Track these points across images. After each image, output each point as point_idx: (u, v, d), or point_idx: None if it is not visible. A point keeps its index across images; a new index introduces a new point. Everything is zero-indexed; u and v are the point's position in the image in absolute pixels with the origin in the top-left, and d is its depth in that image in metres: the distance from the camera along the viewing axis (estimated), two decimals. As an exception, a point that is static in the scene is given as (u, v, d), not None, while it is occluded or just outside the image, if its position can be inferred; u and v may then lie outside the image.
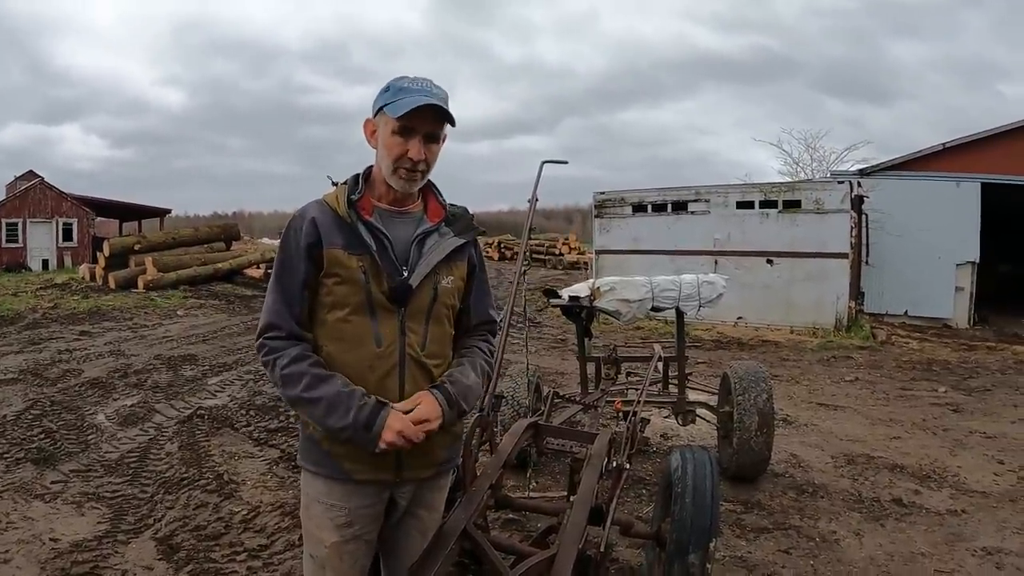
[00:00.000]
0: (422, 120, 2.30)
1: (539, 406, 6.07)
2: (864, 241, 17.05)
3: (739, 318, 15.92)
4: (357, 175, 2.46)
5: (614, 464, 3.50)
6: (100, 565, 4.40)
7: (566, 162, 5.98)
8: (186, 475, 5.98)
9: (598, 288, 6.10)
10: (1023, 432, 7.82)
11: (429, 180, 2.49)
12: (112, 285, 21.15)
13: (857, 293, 16.54)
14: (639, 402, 4.88)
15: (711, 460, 3.46)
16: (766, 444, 5.72)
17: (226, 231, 27.72)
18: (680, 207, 17.53)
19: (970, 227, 16.54)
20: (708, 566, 3.13)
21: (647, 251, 17.39)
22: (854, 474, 6.32)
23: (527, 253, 5.12)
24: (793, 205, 16.00)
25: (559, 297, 6.43)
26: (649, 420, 5.99)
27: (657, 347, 6.94)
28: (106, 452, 6.53)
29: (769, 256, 16.09)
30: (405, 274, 2.35)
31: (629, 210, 18.24)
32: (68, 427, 7.26)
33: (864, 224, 16.97)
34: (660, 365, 6.81)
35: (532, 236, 5.23)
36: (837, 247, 15.47)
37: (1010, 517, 5.39)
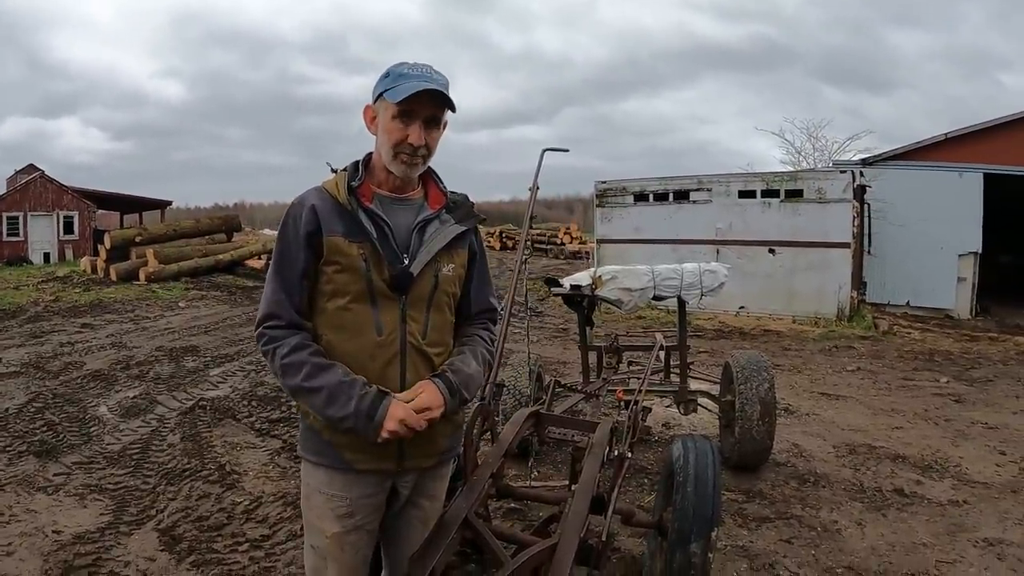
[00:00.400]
0: (422, 104, 2.28)
1: (540, 395, 6.07)
2: (866, 231, 17.03)
3: (741, 307, 15.92)
4: (357, 162, 2.44)
5: (616, 453, 3.50)
6: (103, 557, 4.40)
7: (567, 150, 5.97)
8: (188, 466, 5.99)
9: (600, 277, 6.08)
10: (1025, 422, 7.80)
11: (429, 167, 2.47)
12: (113, 277, 21.15)
13: (859, 283, 16.52)
14: (641, 391, 4.87)
15: (713, 449, 3.46)
16: (768, 433, 5.71)
17: (227, 222, 27.69)
18: (682, 196, 17.50)
19: (972, 217, 16.51)
20: (710, 555, 3.13)
21: (649, 240, 17.36)
22: (856, 464, 6.31)
23: (528, 242, 5.11)
24: (795, 194, 15.97)
25: (561, 286, 6.41)
26: (651, 409, 5.98)
27: (659, 336, 6.93)
28: (108, 444, 6.53)
29: (771, 245, 16.07)
30: (406, 262, 2.34)
31: (631, 199, 18.20)
32: (70, 419, 7.26)
33: (866, 214, 16.95)
34: (662, 354, 6.81)
35: (533, 225, 5.21)
36: (839, 237, 15.45)
37: (1012, 508, 5.38)
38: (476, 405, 3.33)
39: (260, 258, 25.40)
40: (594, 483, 3.10)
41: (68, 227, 37.58)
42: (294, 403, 7.38)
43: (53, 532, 4.72)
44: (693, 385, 6.68)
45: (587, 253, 30.29)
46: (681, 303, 6.31)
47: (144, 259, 21.77)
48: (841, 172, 16.23)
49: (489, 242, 38.95)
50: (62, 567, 4.26)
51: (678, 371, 6.61)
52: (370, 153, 2.45)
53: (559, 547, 2.57)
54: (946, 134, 17.62)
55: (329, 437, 2.36)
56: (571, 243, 39.80)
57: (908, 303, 17.18)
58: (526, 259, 5.03)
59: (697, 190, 17.26)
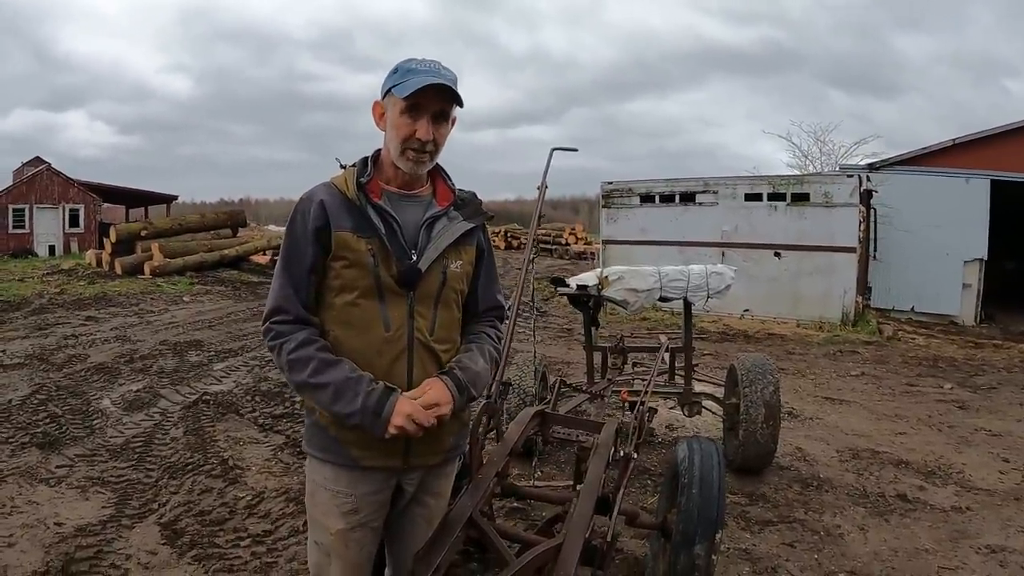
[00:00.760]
0: (430, 99, 2.28)
1: (545, 395, 6.06)
2: (872, 236, 17.00)
3: (745, 310, 15.88)
4: (366, 158, 2.44)
5: (621, 454, 3.49)
6: (104, 550, 4.40)
7: (576, 149, 5.96)
8: (191, 460, 5.99)
9: (606, 277, 6.07)
10: (1030, 429, 7.78)
11: (438, 164, 2.47)
12: (118, 271, 21.19)
13: (864, 288, 16.50)
14: (646, 392, 4.87)
15: (718, 452, 3.45)
16: (772, 437, 5.70)
17: (232, 218, 27.73)
18: (688, 198, 17.45)
19: (979, 224, 16.46)
20: (713, 557, 3.13)
21: (654, 242, 17.31)
22: (859, 469, 6.30)
23: (535, 241, 5.10)
24: (801, 198, 15.92)
25: (567, 286, 6.40)
26: (656, 410, 5.98)
27: (664, 338, 6.92)
28: (111, 437, 6.54)
29: (777, 249, 16.02)
30: (414, 258, 2.33)
31: (637, 200, 18.16)
32: (73, 412, 7.27)
33: (872, 219, 16.91)
34: (667, 356, 6.81)
35: (539, 224, 5.20)
36: (845, 241, 15.39)
37: (1015, 515, 5.36)
38: (482, 404, 3.33)
39: (265, 254, 25.47)
40: (599, 484, 3.09)
41: (74, 220, 37.66)
42: (298, 399, 7.41)
43: (55, 524, 4.73)
44: (697, 387, 6.67)
45: (592, 254, 30.33)
46: (687, 305, 6.29)
47: (149, 253, 21.81)
48: (848, 176, 16.17)
49: (494, 241, 38.91)
50: (63, 559, 4.26)
51: (683, 373, 6.60)
52: (379, 149, 2.45)
53: (563, 547, 2.56)
54: (953, 140, 17.57)
55: (336, 433, 2.35)
56: (576, 243, 39.86)
57: (913, 309, 17.14)
58: (533, 258, 5.02)
59: (703, 192, 17.22)
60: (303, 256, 2.31)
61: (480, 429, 3.35)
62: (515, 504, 4.96)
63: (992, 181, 16.42)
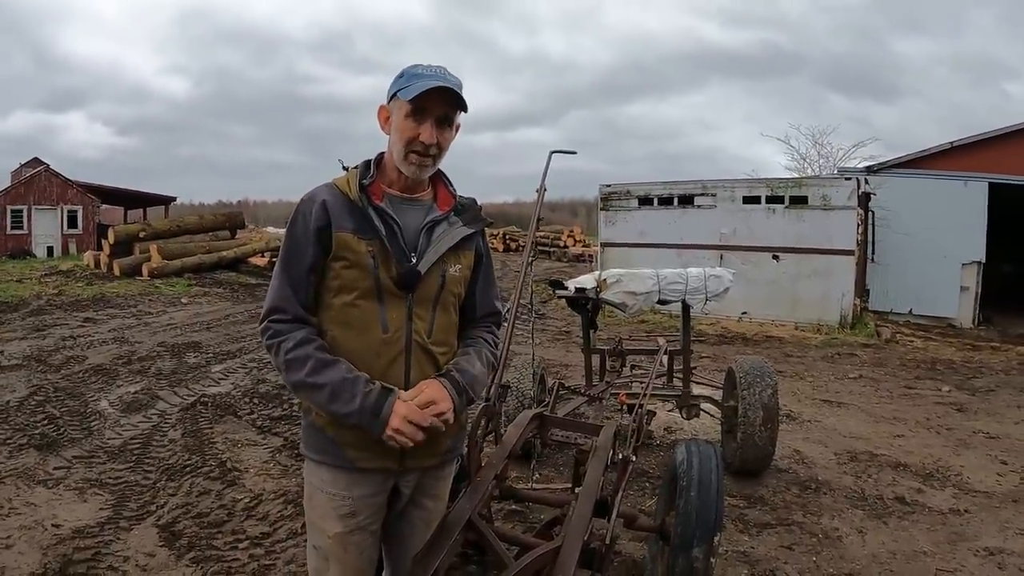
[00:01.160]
0: (435, 103, 2.29)
1: (544, 397, 6.06)
2: (870, 238, 17.01)
3: (743, 313, 15.89)
4: (368, 160, 2.44)
5: (619, 456, 3.49)
6: (102, 551, 4.40)
7: (574, 152, 5.97)
8: (189, 462, 5.99)
9: (604, 280, 6.07)
10: (1027, 432, 7.79)
11: (440, 170, 2.48)
12: (117, 272, 21.18)
13: (862, 290, 16.50)
14: (644, 395, 4.87)
15: (716, 454, 3.45)
16: (770, 439, 5.71)
17: (231, 219, 27.73)
18: (686, 201, 17.47)
19: (977, 227, 16.51)
20: (712, 560, 3.13)
21: (652, 244, 17.31)
22: (857, 471, 6.30)
23: (534, 243, 5.10)
24: (800, 201, 15.93)
25: (565, 288, 6.41)
26: (654, 413, 5.98)
27: (662, 340, 6.92)
28: (109, 439, 6.54)
29: (775, 252, 16.04)
30: (413, 260, 2.34)
31: (635, 203, 18.17)
32: (71, 413, 7.27)
33: (871, 221, 16.93)
34: (665, 358, 6.81)
35: (537, 227, 5.21)
36: (843, 244, 15.41)
37: (1012, 518, 5.37)
38: (481, 406, 3.33)
39: (263, 255, 25.46)
40: (598, 486, 3.09)
41: (72, 221, 37.64)
42: (296, 401, 7.40)
43: (52, 526, 4.73)
44: (696, 390, 6.68)
45: (590, 256, 30.30)
46: (685, 308, 6.30)
47: (147, 254, 21.79)
48: (846, 179, 16.18)
49: (492, 244, 38.93)
50: (61, 561, 4.26)
51: (681, 376, 6.60)
52: (382, 152, 2.46)
53: (562, 550, 2.56)
54: (952, 143, 17.60)
55: (333, 434, 2.35)
56: (574, 246, 39.86)
57: (911, 311, 17.18)
58: (532, 261, 5.02)
59: (702, 195, 17.23)
60: (303, 256, 2.31)
61: (478, 432, 3.35)
62: (514, 507, 4.95)
63: (990, 184, 16.47)
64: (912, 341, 14.42)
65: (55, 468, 5.78)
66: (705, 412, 6.58)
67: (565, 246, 40.07)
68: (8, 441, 6.36)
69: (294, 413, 7.37)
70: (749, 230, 16.46)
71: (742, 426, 5.66)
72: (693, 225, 17.16)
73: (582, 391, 6.27)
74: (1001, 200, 16.61)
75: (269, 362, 9.70)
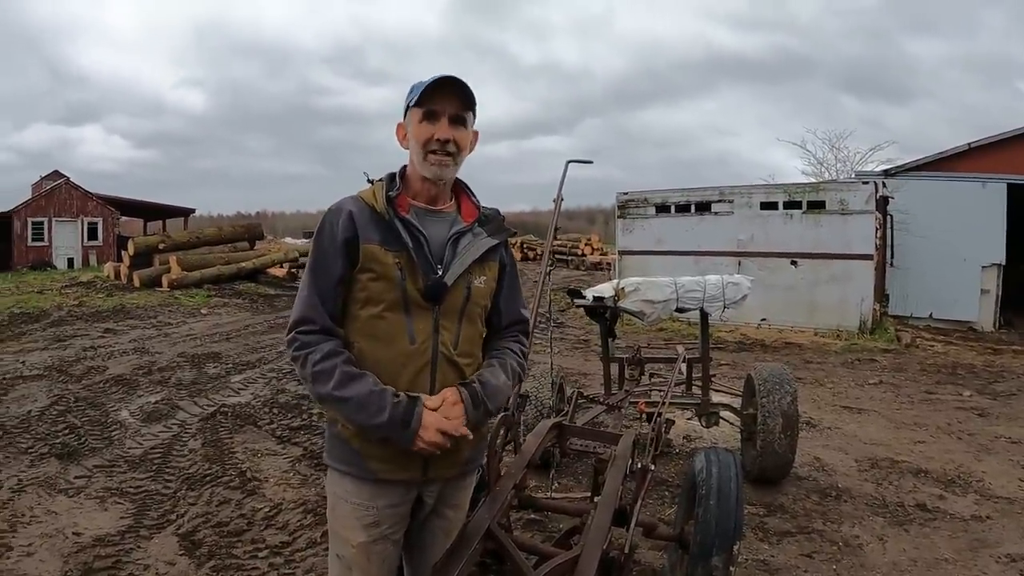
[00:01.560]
0: (444, 103, 2.34)
1: (562, 406, 6.06)
2: (889, 242, 16.89)
3: (762, 320, 15.80)
4: (393, 173, 2.47)
5: (638, 465, 3.48)
6: (122, 560, 4.43)
7: (591, 162, 5.98)
8: (209, 472, 6.02)
9: (622, 288, 6.07)
10: (1050, 437, 7.71)
11: (462, 181, 2.51)
12: (137, 283, 21.31)
13: (882, 295, 16.38)
14: (663, 403, 4.86)
15: (736, 462, 3.43)
16: (790, 447, 5.68)
17: (249, 231, 27.83)
18: (703, 208, 17.38)
19: (996, 228, 16.37)
20: (731, 569, 3.11)
21: (670, 252, 17.25)
22: (878, 478, 6.26)
23: (551, 252, 5.11)
24: (817, 206, 15.83)
25: (583, 297, 6.40)
26: (674, 421, 5.96)
27: (681, 348, 6.90)
28: (129, 448, 6.58)
29: (793, 257, 15.93)
30: (440, 272, 2.35)
31: (652, 211, 18.11)
32: (92, 423, 7.32)
33: (889, 225, 16.81)
34: (684, 366, 6.79)
35: (555, 236, 5.22)
36: (862, 248, 15.30)
37: (1036, 523, 5.33)
38: (500, 416, 3.33)
39: (282, 266, 25.56)
40: (616, 495, 3.09)
41: (92, 233, 38.00)
42: (315, 411, 7.44)
43: (73, 534, 4.77)
44: (715, 398, 6.66)
45: (608, 264, 30.25)
46: (704, 315, 6.28)
47: (167, 266, 21.92)
48: (863, 183, 16.09)
49: (510, 252, 38.96)
50: (82, 569, 4.30)
51: (700, 383, 6.58)
52: (405, 166, 2.49)
53: (581, 559, 2.56)
54: (969, 144, 17.48)
55: (357, 446, 2.36)
56: (592, 254, 39.79)
57: (931, 315, 17.04)
58: (550, 270, 5.03)
59: (719, 201, 17.15)
60: (331, 267, 2.33)
61: (498, 441, 3.35)
62: (533, 516, 4.94)
63: (1009, 185, 16.33)
64: (932, 345, 14.31)
65: (76, 477, 5.83)
66: (724, 420, 6.55)
67: (583, 255, 40.00)
68: (30, 450, 6.42)
69: (313, 423, 7.40)
70: (767, 236, 16.35)
71: (761, 434, 5.63)
72: (711, 232, 17.08)
73: (601, 400, 6.25)
74: (1020, 201, 16.45)
75: (288, 372, 9.75)
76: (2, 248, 36.50)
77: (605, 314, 6.51)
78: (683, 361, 6.74)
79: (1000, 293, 16.79)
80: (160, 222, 46.34)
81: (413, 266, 2.32)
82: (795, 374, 7.08)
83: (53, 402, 8.09)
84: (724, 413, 6.47)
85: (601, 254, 38.91)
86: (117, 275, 22.74)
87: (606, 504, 2.97)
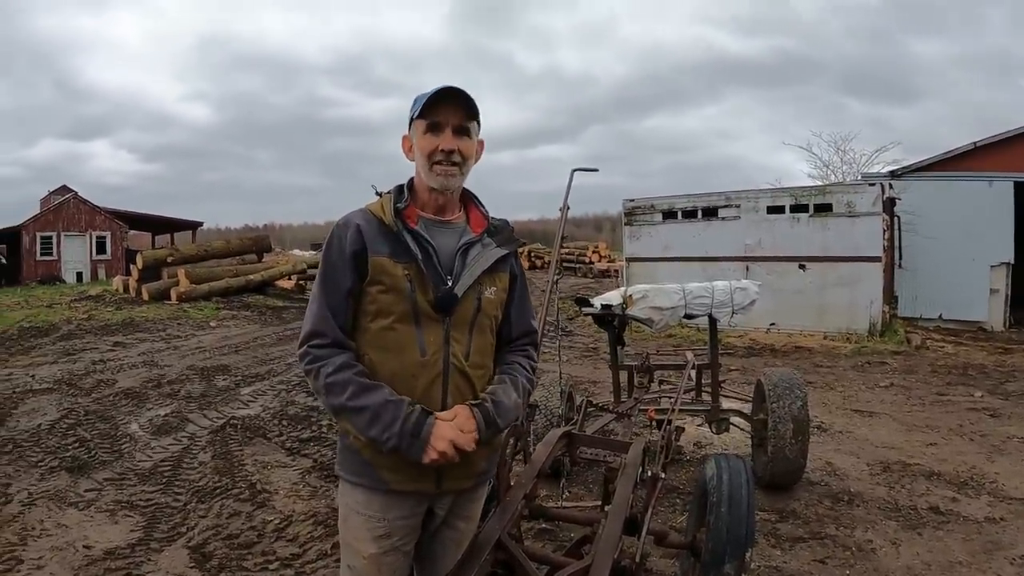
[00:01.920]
0: (447, 115, 2.35)
1: (572, 415, 6.05)
2: (897, 244, 16.83)
3: (771, 324, 15.75)
4: (401, 185, 2.48)
5: (649, 473, 3.47)
6: (133, 573, 4.44)
7: (596, 170, 5.97)
8: (219, 484, 6.02)
9: (630, 296, 6.06)
10: (1064, 438, 7.67)
11: (470, 192, 2.52)
12: (145, 297, 21.39)
13: (891, 297, 16.31)
14: (673, 410, 4.84)
15: (747, 468, 3.42)
16: (801, 452, 5.65)
17: (257, 243, 27.91)
18: (710, 213, 17.36)
19: (1004, 227, 16.34)
20: (744, 576, 3.10)
21: (678, 258, 17.23)
22: (890, 482, 6.23)
23: (559, 261, 5.10)
24: (824, 209, 15.80)
25: (591, 305, 6.39)
26: (683, 428, 5.95)
27: (690, 355, 6.88)
28: (139, 461, 6.59)
29: (801, 261, 15.90)
30: (449, 283, 2.35)
31: (659, 217, 18.10)
32: (102, 436, 7.33)
33: (896, 226, 16.74)
34: (693, 373, 6.77)
35: (562, 244, 5.22)
36: (870, 250, 15.25)
37: (1050, 525, 5.29)
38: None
39: (290, 279, 25.62)
40: (627, 504, 3.07)
41: (101, 247, 38.19)
42: (325, 423, 7.44)
43: (84, 547, 4.78)
44: (725, 404, 6.64)
45: (616, 272, 30.23)
46: (712, 321, 6.26)
47: (175, 279, 21.99)
48: (870, 185, 16.03)
49: (517, 261, 38.94)
50: (94, 584, 4.30)
51: (710, 390, 6.56)
52: (412, 178, 2.49)
53: (592, 568, 2.55)
54: (975, 143, 17.41)
55: (369, 457, 2.36)
56: (599, 262, 39.76)
57: (940, 316, 16.98)
58: (557, 279, 5.02)
59: (725, 207, 17.12)
60: (341, 280, 2.33)
61: (508, 451, 3.34)
62: (543, 525, 4.92)
63: (1016, 183, 16.29)
64: (943, 347, 14.26)
65: (86, 490, 5.84)
66: (735, 426, 6.53)
67: (590, 262, 39.96)
68: (40, 463, 6.43)
69: (323, 435, 7.40)
70: (774, 240, 16.32)
71: (772, 439, 5.61)
72: (718, 237, 17.06)
73: (610, 408, 6.24)
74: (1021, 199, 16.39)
75: (297, 384, 9.76)
76: (11, 263, 36.77)
77: (613, 322, 6.49)
78: (692, 367, 6.73)
79: (1010, 292, 16.72)
80: (168, 235, 46.52)
81: (423, 277, 2.32)
82: (805, 378, 7.06)
83: (63, 415, 8.12)
84: (734, 419, 6.45)
85: (609, 261, 38.87)
86: (126, 288, 22.83)
87: (617, 513, 2.96)
